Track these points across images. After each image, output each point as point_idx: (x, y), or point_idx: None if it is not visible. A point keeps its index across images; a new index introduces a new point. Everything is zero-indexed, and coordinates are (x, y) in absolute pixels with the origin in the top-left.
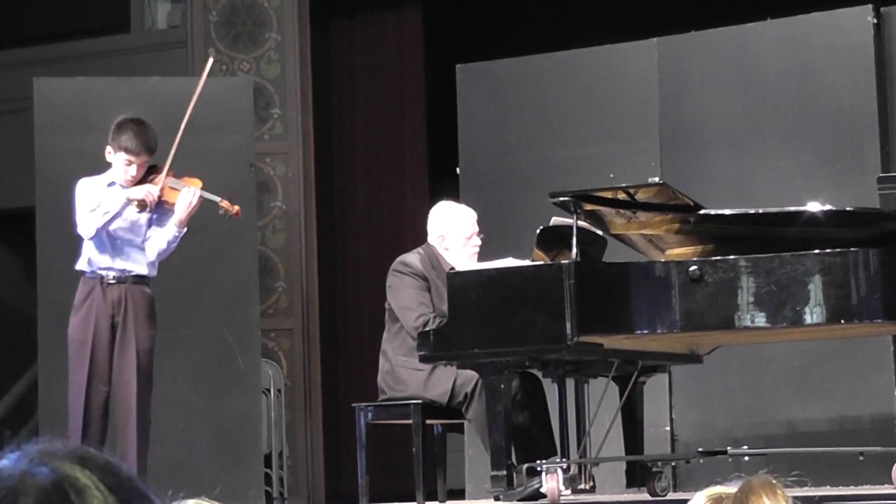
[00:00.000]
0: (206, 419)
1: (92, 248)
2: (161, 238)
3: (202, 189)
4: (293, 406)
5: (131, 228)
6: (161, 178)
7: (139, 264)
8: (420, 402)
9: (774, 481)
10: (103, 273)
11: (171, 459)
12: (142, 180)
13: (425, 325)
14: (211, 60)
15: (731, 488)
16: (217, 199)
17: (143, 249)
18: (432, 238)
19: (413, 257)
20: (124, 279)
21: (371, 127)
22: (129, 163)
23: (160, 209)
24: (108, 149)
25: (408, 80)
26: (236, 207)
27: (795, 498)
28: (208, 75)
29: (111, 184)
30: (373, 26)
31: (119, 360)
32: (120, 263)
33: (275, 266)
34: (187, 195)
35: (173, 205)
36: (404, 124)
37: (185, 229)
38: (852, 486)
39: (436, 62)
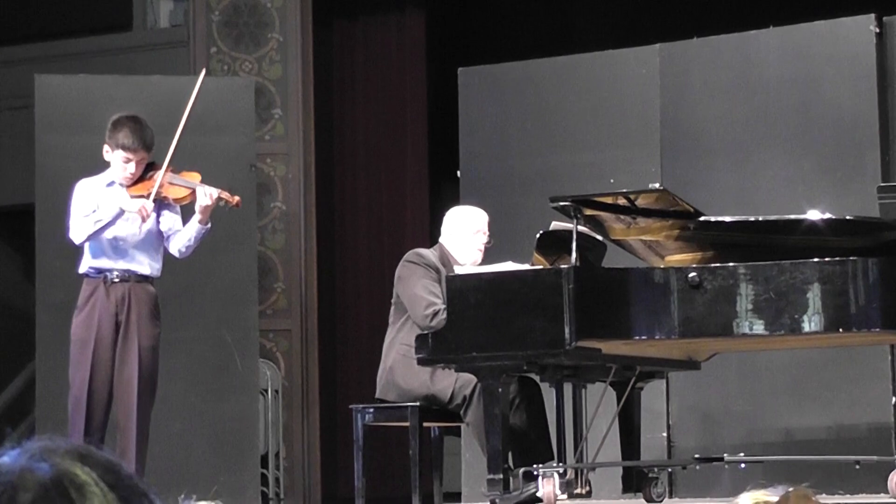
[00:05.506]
0: (204, 419)
1: (91, 251)
2: (185, 234)
3: (200, 182)
4: (290, 407)
5: (133, 230)
6: (160, 176)
7: (142, 265)
8: (417, 404)
9: (812, 496)
10: (107, 272)
11: (168, 459)
12: (141, 177)
13: (435, 314)
14: (203, 73)
15: (772, 496)
16: (216, 191)
17: (147, 250)
18: (444, 237)
19: (427, 251)
20: (128, 278)
21: (372, 129)
22: (128, 160)
23: (163, 206)
24: (105, 147)
25: (409, 82)
26: (237, 198)
27: None
28: (201, 85)
29: (110, 183)
30: (375, 28)
31: (121, 358)
32: (122, 265)
33: (274, 267)
34: (203, 198)
35: (175, 200)
36: (405, 127)
37: (209, 224)
38: (848, 495)
39: (438, 65)
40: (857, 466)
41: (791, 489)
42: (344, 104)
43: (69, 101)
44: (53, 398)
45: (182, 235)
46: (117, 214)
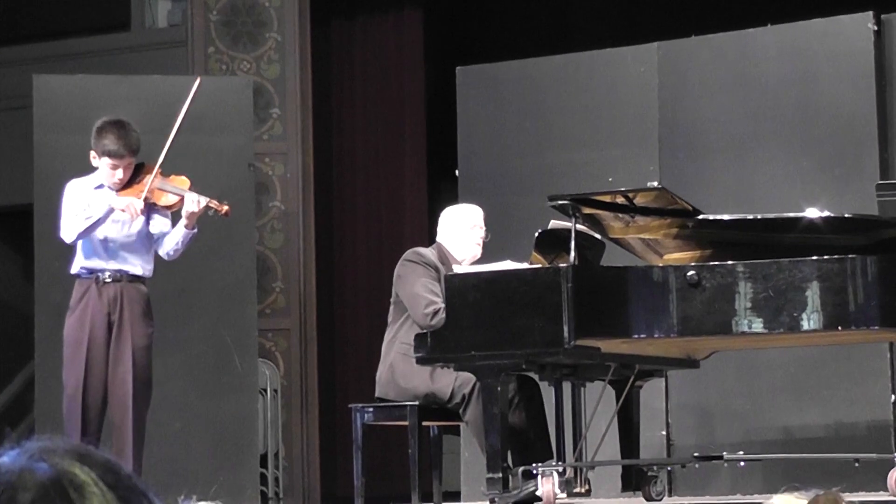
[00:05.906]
0: (203, 419)
1: (83, 251)
2: (173, 238)
3: (190, 188)
4: (289, 406)
5: (124, 233)
6: (148, 182)
7: (134, 265)
8: (416, 403)
9: (842, 501)
10: (99, 273)
11: (167, 459)
12: (130, 181)
13: (435, 313)
14: (198, 81)
15: (803, 499)
16: (205, 200)
17: (138, 251)
18: (441, 236)
19: (426, 250)
20: (120, 278)
21: (370, 128)
22: (115, 167)
23: (153, 210)
24: (92, 153)
25: (408, 81)
26: (226, 207)
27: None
28: (196, 91)
29: (99, 186)
30: (373, 28)
31: (115, 358)
32: (114, 265)
33: (273, 266)
34: (191, 204)
35: (166, 207)
36: (404, 126)
37: (196, 229)
38: (848, 493)
39: (436, 64)
40: (857, 464)
41: (821, 492)
42: (342, 103)
43: (67, 101)
44: (52, 398)
45: (170, 239)
46: (108, 212)
